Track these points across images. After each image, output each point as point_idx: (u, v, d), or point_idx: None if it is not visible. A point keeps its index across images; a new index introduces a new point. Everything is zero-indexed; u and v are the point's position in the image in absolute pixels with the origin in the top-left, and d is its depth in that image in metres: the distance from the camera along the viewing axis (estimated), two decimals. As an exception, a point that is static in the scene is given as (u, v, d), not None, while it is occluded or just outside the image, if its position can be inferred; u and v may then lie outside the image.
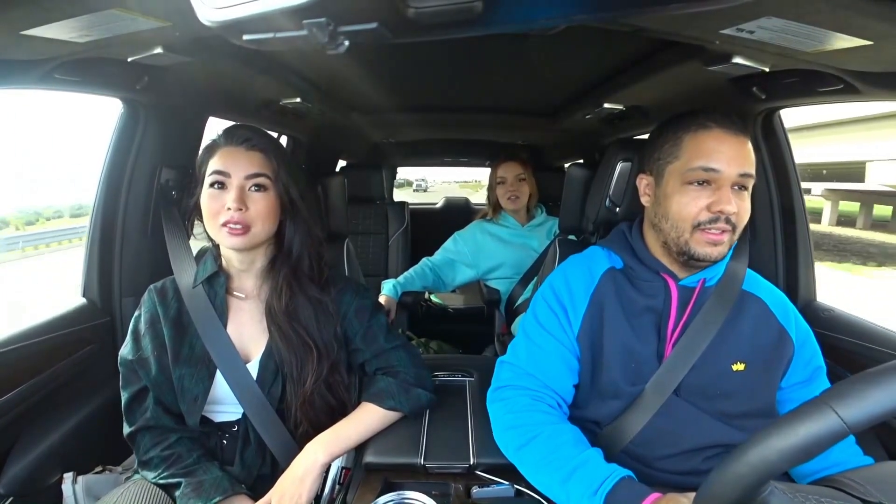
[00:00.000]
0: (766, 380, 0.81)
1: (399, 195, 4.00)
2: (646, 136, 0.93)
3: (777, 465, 0.41)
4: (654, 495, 0.64)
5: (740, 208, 0.75)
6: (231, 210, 0.80)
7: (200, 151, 0.89)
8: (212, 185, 0.83)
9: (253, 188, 0.83)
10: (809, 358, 0.84)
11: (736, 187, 0.76)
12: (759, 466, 0.42)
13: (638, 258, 0.86)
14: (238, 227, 0.81)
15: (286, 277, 0.89)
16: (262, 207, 0.83)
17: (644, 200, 0.86)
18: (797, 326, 0.84)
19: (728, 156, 0.74)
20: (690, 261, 0.78)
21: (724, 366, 0.80)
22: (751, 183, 0.77)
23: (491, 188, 1.99)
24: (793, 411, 0.43)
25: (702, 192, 0.76)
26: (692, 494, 0.51)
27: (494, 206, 1.97)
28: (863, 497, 0.46)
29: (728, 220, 0.75)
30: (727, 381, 0.79)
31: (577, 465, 0.70)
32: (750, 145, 0.77)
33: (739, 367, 0.80)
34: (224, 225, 0.81)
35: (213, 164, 0.84)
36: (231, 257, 0.90)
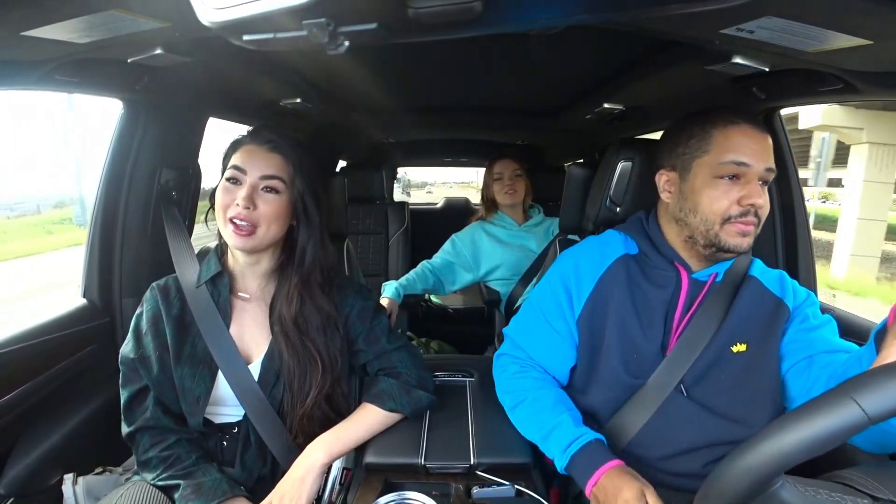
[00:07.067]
0: (767, 352, 0.80)
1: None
2: (646, 137, 0.93)
3: (793, 456, 0.41)
4: (614, 462, 0.72)
5: (765, 202, 0.78)
6: (239, 207, 0.81)
7: (227, 145, 0.89)
8: (228, 179, 0.84)
9: (265, 189, 0.84)
10: (809, 317, 0.82)
11: (760, 182, 0.77)
12: (774, 457, 0.41)
13: (653, 245, 0.87)
14: (245, 224, 0.81)
15: (297, 285, 0.88)
16: (270, 210, 0.83)
17: (665, 196, 0.86)
18: (795, 294, 0.84)
19: (756, 150, 0.76)
20: (718, 252, 0.80)
21: (725, 350, 0.81)
22: (772, 178, 0.79)
23: (486, 186, 1.97)
24: (812, 401, 0.42)
25: (732, 187, 0.77)
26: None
27: (490, 203, 1.96)
28: (873, 494, 0.45)
29: (756, 214, 0.77)
30: (728, 364, 0.80)
31: (553, 427, 0.81)
32: (770, 141, 0.79)
33: (741, 347, 0.81)
34: (231, 220, 0.81)
35: (234, 159, 0.85)
36: (237, 254, 0.90)
